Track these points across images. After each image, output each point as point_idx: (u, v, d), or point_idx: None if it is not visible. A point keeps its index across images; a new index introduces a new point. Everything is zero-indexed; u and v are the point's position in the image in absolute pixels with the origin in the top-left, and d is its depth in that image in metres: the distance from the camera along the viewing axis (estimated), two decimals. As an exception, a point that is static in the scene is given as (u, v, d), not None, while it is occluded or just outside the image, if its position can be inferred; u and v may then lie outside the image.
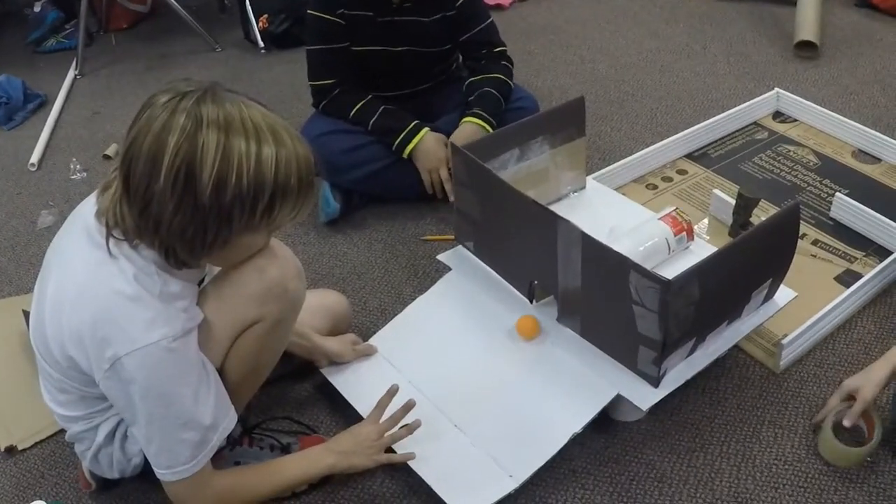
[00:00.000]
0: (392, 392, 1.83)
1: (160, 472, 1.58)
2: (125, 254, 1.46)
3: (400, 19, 2.52)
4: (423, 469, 1.78)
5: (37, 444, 2.01)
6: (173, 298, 1.48)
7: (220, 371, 1.63)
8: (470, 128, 2.50)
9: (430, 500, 1.76)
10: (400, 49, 2.57)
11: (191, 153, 1.34)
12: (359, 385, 1.97)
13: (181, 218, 1.38)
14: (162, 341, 1.43)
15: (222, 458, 1.82)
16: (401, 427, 1.80)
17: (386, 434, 1.78)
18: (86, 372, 1.52)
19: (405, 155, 2.54)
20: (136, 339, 1.43)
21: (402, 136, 2.52)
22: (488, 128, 2.51)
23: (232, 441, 1.83)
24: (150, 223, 1.40)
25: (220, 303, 1.59)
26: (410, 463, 1.79)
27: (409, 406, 1.82)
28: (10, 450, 1.99)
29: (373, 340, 2.08)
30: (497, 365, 1.96)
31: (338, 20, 2.48)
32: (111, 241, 1.45)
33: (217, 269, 1.65)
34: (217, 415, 1.56)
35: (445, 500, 1.72)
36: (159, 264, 1.48)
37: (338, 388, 1.98)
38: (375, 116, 2.53)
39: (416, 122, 2.54)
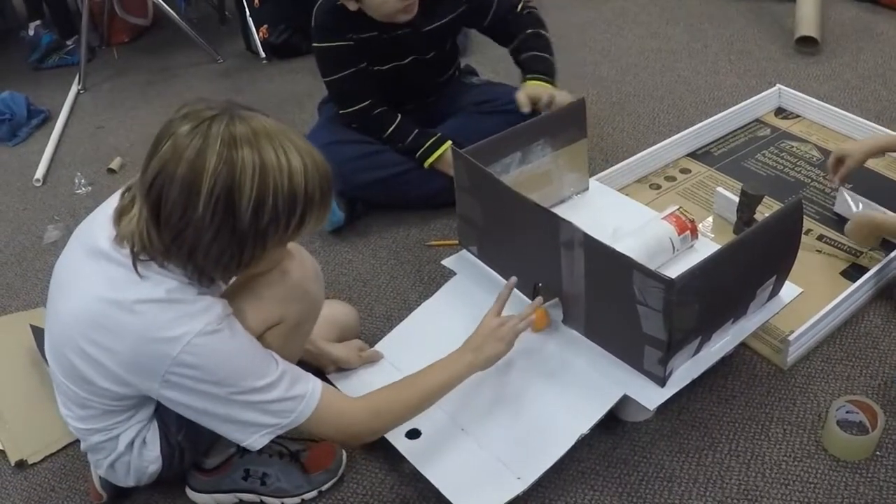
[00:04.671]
0: (510, 285, 1.92)
1: (289, 423, 1.58)
2: (155, 272, 1.47)
3: (405, 32, 2.50)
4: (432, 473, 1.78)
5: (47, 457, 2.01)
6: (208, 292, 1.52)
7: None
8: (538, 86, 2.54)
9: (439, 505, 1.76)
10: (407, 61, 2.58)
11: (230, 177, 1.35)
12: (365, 390, 1.97)
13: (219, 244, 1.40)
14: (206, 326, 1.45)
15: (231, 465, 1.84)
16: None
17: (511, 318, 1.86)
18: (138, 393, 1.55)
19: (426, 165, 2.55)
20: (183, 335, 1.44)
21: (425, 146, 2.54)
22: (552, 82, 2.57)
23: (241, 448, 1.84)
24: (184, 249, 1.42)
25: (243, 304, 1.60)
26: (418, 466, 1.79)
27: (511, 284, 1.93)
28: (21, 464, 2.00)
29: (379, 346, 2.08)
30: (503, 368, 1.95)
31: (350, 43, 2.48)
32: (140, 264, 1.46)
33: None
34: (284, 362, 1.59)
35: (454, 503, 1.72)
36: (189, 279, 1.49)
37: (344, 392, 1.98)
38: (409, 139, 2.56)
39: (438, 135, 2.56)
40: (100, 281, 1.49)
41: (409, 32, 2.50)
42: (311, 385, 1.59)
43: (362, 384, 1.99)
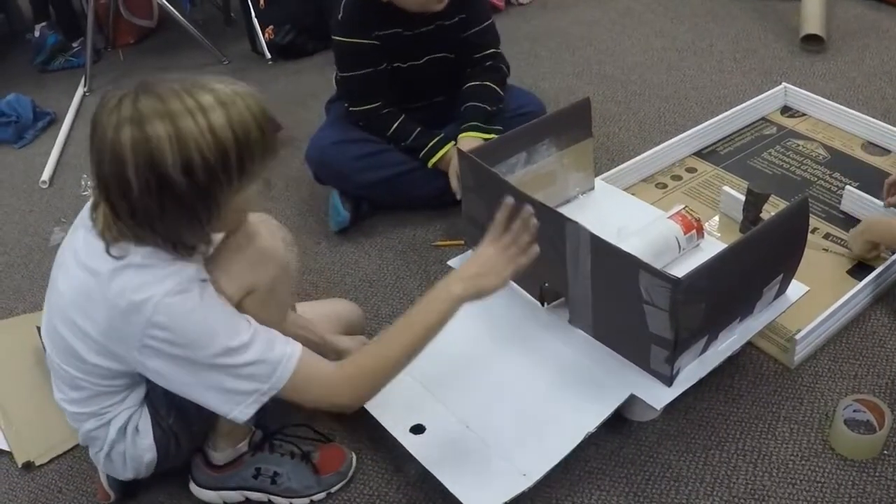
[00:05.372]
0: (507, 205, 1.74)
1: (269, 389, 1.55)
2: (132, 250, 1.49)
3: (426, 29, 2.51)
4: (437, 469, 1.77)
5: (54, 459, 2.02)
6: (185, 262, 1.52)
7: None
8: (472, 141, 2.50)
9: (446, 505, 1.76)
10: (423, 61, 2.58)
11: (148, 152, 1.37)
12: None
13: (170, 214, 1.42)
14: (176, 287, 1.46)
15: (242, 463, 1.84)
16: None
17: (511, 247, 1.69)
18: (125, 367, 1.57)
19: (430, 164, 2.55)
20: (152, 296, 1.45)
21: (429, 146, 2.54)
22: (487, 137, 2.51)
23: (254, 446, 1.85)
24: (146, 228, 1.44)
25: (215, 276, 1.59)
26: (423, 462, 1.79)
27: (526, 217, 1.69)
28: (28, 465, 2.00)
29: None
30: (508, 367, 1.95)
31: (374, 42, 2.48)
32: (115, 247, 1.48)
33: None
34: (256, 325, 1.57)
35: (459, 499, 1.71)
36: (167, 251, 1.51)
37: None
38: (411, 138, 2.56)
39: (442, 135, 2.56)
40: (83, 249, 1.53)
41: (432, 29, 2.51)
42: (290, 349, 1.57)
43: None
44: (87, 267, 1.51)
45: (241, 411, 1.56)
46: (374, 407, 1.90)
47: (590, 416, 1.79)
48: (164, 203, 1.40)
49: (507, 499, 1.70)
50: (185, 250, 1.50)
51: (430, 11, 2.44)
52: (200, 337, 1.49)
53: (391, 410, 1.88)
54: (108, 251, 1.48)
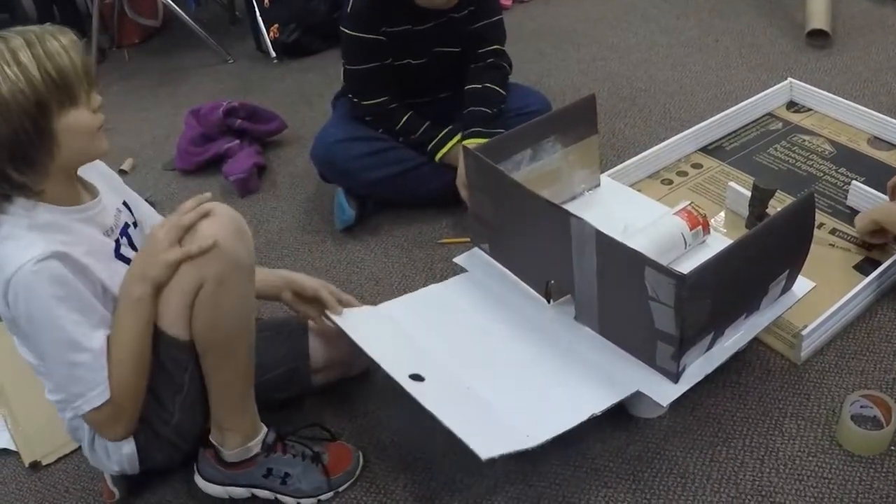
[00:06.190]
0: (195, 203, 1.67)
1: (75, 407, 1.60)
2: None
3: (436, 24, 2.50)
4: (440, 412, 1.68)
5: (60, 458, 2.03)
6: (45, 229, 1.55)
7: (197, 347, 1.66)
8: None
9: None
10: (430, 56, 2.58)
11: None
12: (369, 335, 1.92)
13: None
14: (27, 263, 1.49)
15: (255, 464, 1.83)
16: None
17: (172, 228, 1.62)
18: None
19: (437, 158, 2.55)
20: (5, 270, 1.50)
21: (437, 139, 2.54)
22: (490, 134, 2.49)
23: (266, 447, 1.83)
24: None
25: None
26: (425, 404, 1.70)
27: (202, 199, 1.67)
28: (35, 465, 2.01)
29: (382, 307, 2.07)
30: (513, 358, 1.94)
31: (381, 38, 2.47)
32: None
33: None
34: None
35: (463, 440, 1.61)
36: (23, 205, 1.55)
37: (346, 331, 1.93)
38: (420, 131, 2.56)
39: (450, 128, 2.56)
40: None
41: (443, 23, 2.49)
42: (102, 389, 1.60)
43: (366, 328, 1.96)
44: None
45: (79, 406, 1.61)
46: (375, 353, 1.86)
47: (596, 402, 1.77)
48: None
49: (511, 449, 1.64)
50: (33, 193, 1.55)
51: (447, 7, 2.43)
52: (41, 323, 1.54)
53: (392, 358, 1.85)
54: None
